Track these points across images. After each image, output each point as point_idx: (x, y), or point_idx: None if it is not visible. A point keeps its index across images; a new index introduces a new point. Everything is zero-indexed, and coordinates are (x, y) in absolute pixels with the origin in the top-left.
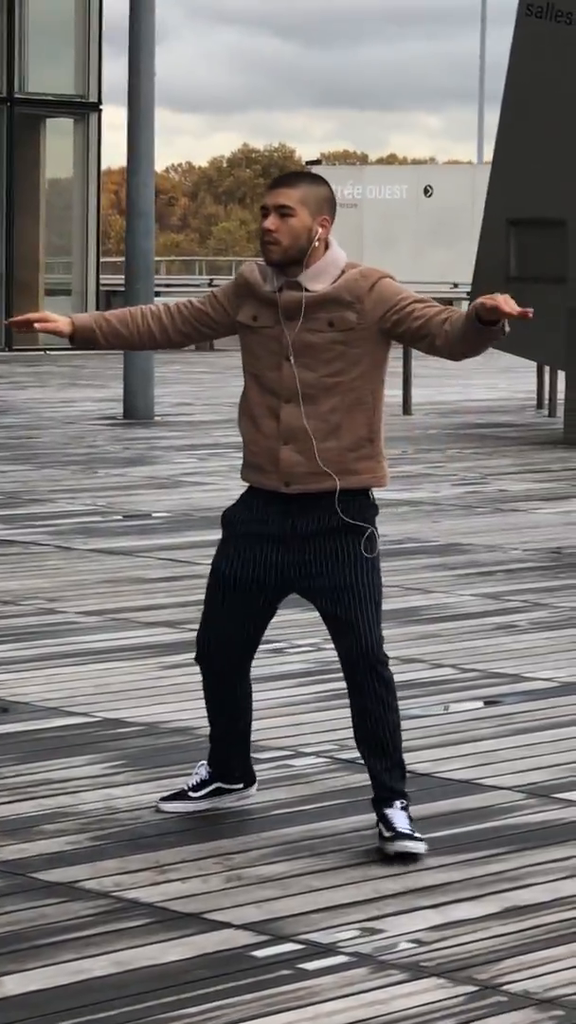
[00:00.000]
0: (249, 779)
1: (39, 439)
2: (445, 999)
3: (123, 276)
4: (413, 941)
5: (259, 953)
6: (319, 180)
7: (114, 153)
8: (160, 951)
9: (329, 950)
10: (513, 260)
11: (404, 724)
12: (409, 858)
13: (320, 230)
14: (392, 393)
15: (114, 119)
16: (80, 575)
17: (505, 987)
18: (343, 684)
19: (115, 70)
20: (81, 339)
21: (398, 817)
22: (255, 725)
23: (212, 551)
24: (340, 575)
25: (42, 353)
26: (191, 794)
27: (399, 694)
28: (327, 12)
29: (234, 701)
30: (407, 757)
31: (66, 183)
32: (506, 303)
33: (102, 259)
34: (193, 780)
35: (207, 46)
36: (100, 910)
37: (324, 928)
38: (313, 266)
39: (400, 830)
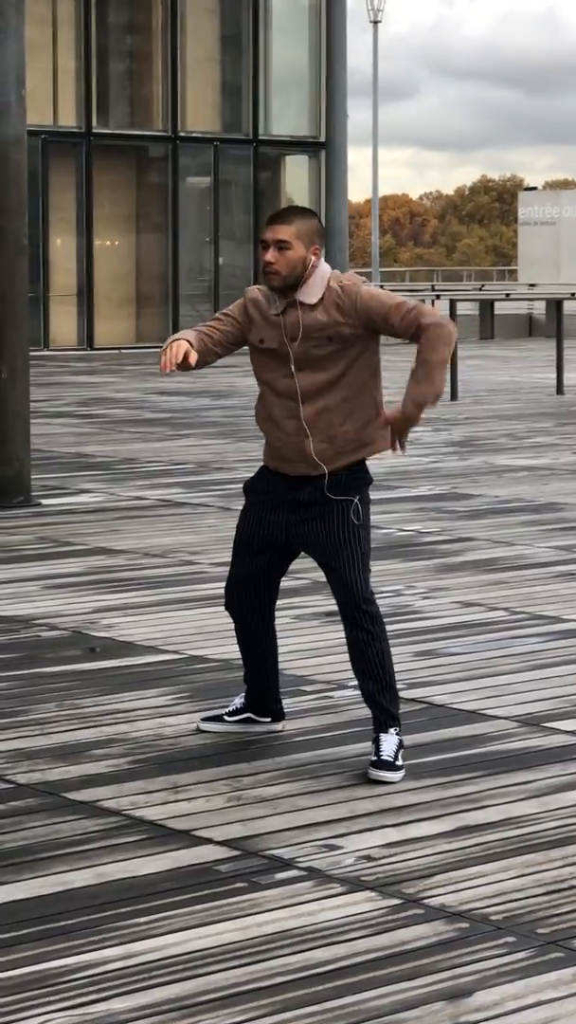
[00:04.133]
0: (277, 716)
1: (246, 417)
2: (368, 911)
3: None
4: (364, 857)
5: (224, 867)
6: (309, 214)
7: (357, 186)
8: (140, 864)
9: (287, 865)
10: None
11: (441, 661)
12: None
13: (313, 258)
14: (547, 376)
15: (353, 157)
16: (228, 532)
17: (426, 901)
18: (400, 627)
19: (354, 114)
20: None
21: (386, 744)
22: (312, 661)
23: None
24: (333, 534)
25: None
26: (227, 718)
27: (453, 634)
28: (545, 65)
29: (259, 642)
30: (432, 690)
31: None
32: (398, 428)
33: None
34: (231, 708)
35: (451, 97)
36: (108, 827)
37: (291, 844)
38: (305, 284)
39: (383, 757)
